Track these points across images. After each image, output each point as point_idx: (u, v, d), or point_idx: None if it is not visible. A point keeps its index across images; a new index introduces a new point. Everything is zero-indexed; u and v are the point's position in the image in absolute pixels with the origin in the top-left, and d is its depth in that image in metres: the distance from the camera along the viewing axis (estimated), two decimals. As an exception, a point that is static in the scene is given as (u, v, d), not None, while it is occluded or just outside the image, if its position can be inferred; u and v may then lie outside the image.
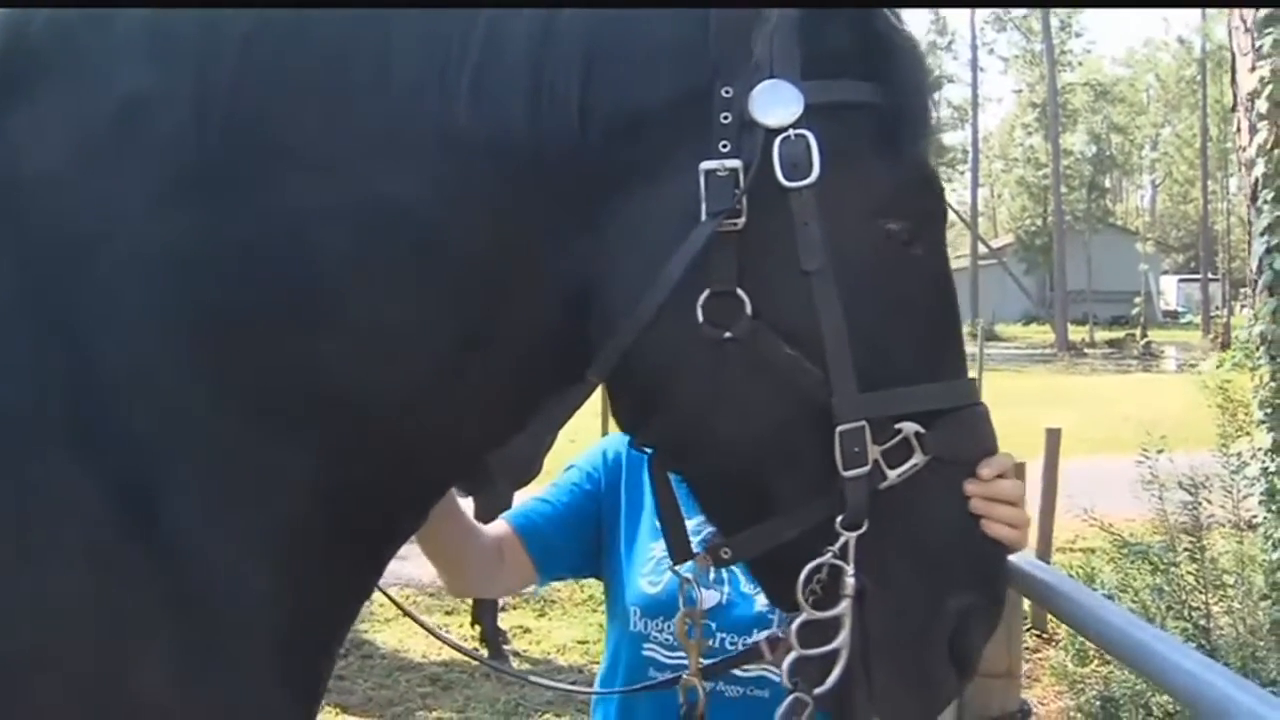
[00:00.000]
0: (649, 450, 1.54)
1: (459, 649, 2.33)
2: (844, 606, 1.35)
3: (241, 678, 1.36)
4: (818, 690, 1.37)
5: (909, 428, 1.36)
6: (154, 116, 1.33)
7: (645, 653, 2.01)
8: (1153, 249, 62.82)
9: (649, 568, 2.04)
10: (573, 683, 5.48)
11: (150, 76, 1.34)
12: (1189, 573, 4.93)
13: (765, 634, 1.67)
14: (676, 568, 1.65)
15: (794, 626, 1.38)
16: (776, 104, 1.31)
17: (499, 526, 2.11)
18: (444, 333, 1.36)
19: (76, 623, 1.27)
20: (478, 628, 6.93)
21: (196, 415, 1.32)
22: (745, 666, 1.85)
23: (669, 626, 1.96)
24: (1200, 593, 4.87)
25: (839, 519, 1.34)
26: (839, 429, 1.32)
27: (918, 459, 1.36)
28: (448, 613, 7.66)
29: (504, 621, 7.29)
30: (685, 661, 1.88)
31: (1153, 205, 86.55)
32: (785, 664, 1.40)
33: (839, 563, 1.35)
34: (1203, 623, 4.79)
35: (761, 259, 1.32)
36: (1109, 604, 1.43)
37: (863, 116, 1.37)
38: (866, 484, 1.34)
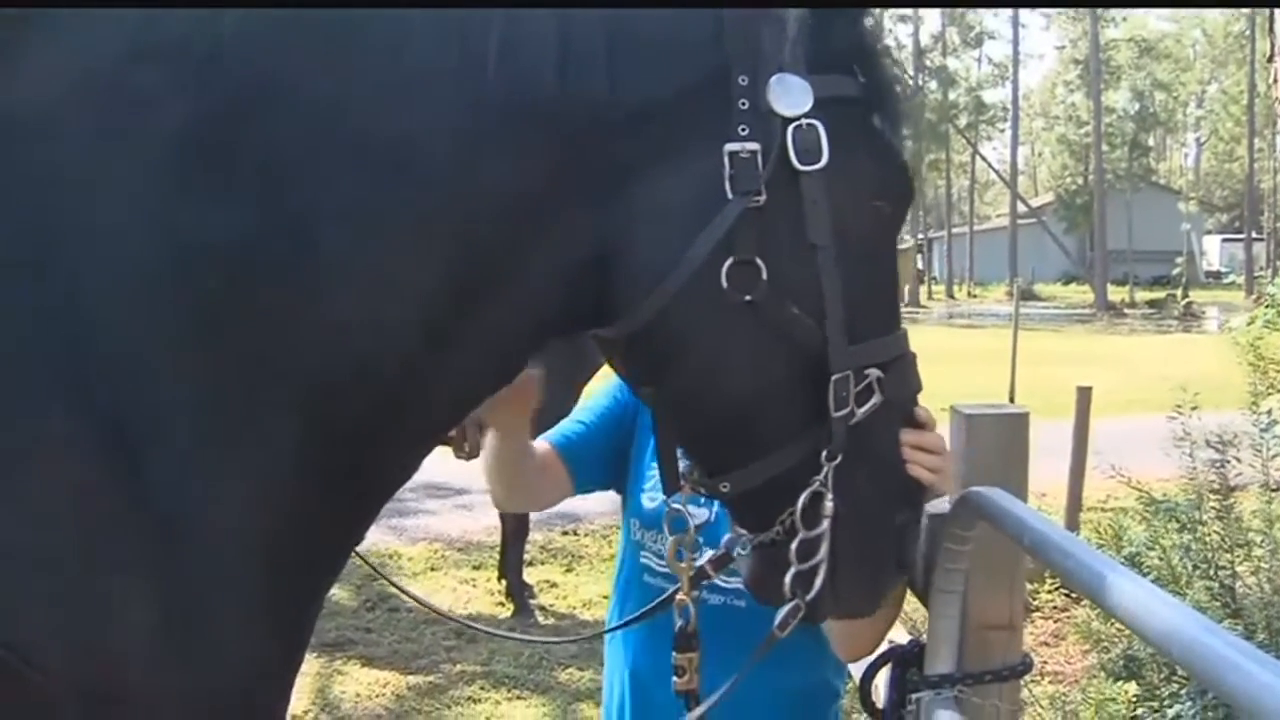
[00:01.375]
0: (653, 399, 1.68)
1: (437, 611, 2.62)
2: (825, 526, 1.58)
3: (229, 626, 1.38)
4: (809, 597, 1.62)
5: (874, 373, 1.58)
6: (156, 70, 1.34)
7: (642, 560, 2.31)
8: (1196, 208, 62.04)
9: (650, 484, 2.28)
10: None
11: (152, 31, 1.36)
12: (1215, 532, 4.86)
13: (707, 557, 1.85)
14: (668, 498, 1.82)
15: (793, 546, 1.60)
16: (790, 95, 1.48)
17: (540, 445, 2.37)
18: (460, 289, 1.43)
19: (58, 565, 1.28)
20: (503, 582, 6.99)
21: (191, 363, 1.33)
22: (727, 579, 2.05)
23: (662, 539, 2.12)
24: (1227, 552, 4.81)
25: (824, 453, 1.56)
26: (834, 377, 1.53)
27: (877, 399, 1.58)
28: (475, 567, 7.74)
29: (531, 576, 7.35)
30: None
31: (1197, 164, 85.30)
32: (786, 579, 1.62)
33: (822, 489, 1.57)
34: (1229, 582, 4.73)
35: (775, 232, 1.48)
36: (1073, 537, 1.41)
37: (855, 109, 1.56)
38: (845, 422, 1.55)
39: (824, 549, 1.59)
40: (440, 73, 1.40)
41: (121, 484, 1.29)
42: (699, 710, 1.79)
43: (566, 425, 2.42)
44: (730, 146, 1.46)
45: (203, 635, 1.35)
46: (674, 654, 1.85)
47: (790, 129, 1.47)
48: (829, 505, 1.57)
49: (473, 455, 6.65)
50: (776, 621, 1.67)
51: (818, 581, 1.60)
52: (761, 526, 1.63)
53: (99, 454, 1.29)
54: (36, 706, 1.29)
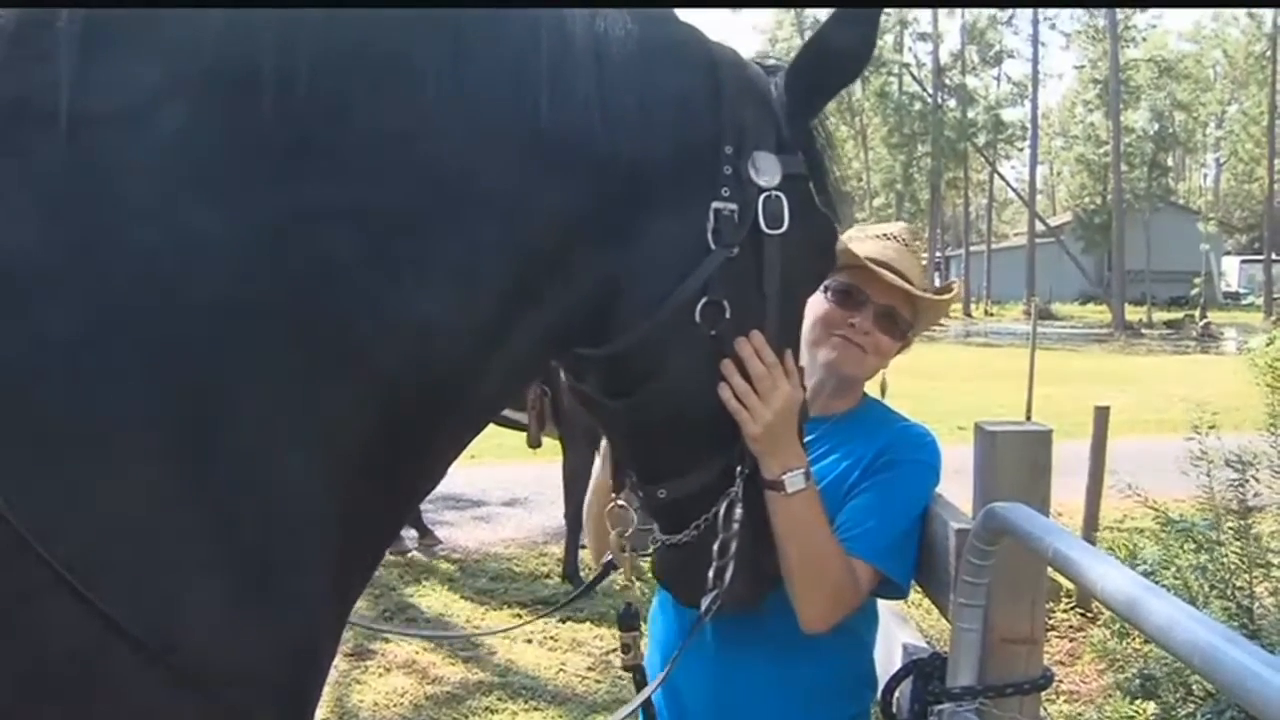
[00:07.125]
0: (618, 412, 1.85)
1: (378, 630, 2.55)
2: (735, 529, 1.87)
3: (296, 596, 1.46)
4: (728, 589, 1.87)
5: None
6: (239, 84, 1.44)
7: None
8: (1214, 229, 61.66)
9: None
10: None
11: (234, 49, 1.46)
12: (1233, 552, 4.86)
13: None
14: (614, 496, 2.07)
15: (715, 545, 1.87)
16: (765, 170, 1.75)
17: None
18: (505, 305, 1.60)
19: (135, 531, 1.35)
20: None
21: (266, 343, 1.43)
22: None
23: None
24: (1245, 572, 4.81)
25: (738, 467, 1.88)
26: None
27: None
28: (492, 578, 7.77)
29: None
30: None
31: (1216, 184, 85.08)
32: (710, 572, 1.87)
33: (736, 497, 1.88)
34: (1246, 602, 4.73)
35: (739, 280, 1.76)
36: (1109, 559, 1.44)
37: (803, 185, 1.82)
38: None
39: (733, 547, 1.87)
40: (499, 111, 1.56)
41: (195, 451, 1.38)
42: (644, 694, 1.98)
43: None
44: (716, 204, 1.72)
45: (271, 601, 1.43)
46: (620, 632, 2.09)
47: (762, 197, 1.74)
48: (739, 511, 1.87)
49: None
50: (702, 609, 1.89)
51: (727, 575, 1.87)
52: (677, 529, 1.91)
53: (176, 422, 1.37)
54: (122, 672, 1.35)
